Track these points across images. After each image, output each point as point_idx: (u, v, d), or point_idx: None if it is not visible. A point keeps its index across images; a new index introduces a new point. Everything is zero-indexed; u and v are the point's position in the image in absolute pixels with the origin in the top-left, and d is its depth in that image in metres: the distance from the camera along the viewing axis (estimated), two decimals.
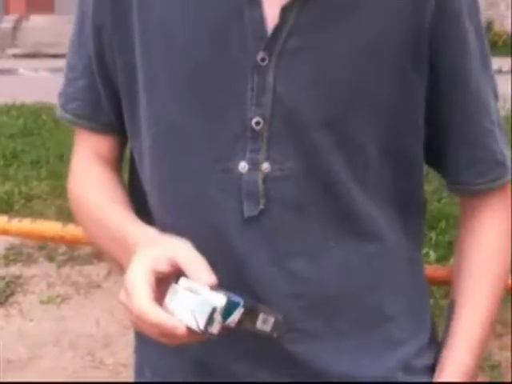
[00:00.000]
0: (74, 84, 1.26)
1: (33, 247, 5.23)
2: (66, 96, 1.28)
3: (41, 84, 13.43)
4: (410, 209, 1.22)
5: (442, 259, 4.62)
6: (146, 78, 1.16)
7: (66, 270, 4.92)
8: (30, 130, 9.05)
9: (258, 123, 1.11)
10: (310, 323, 1.16)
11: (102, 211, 1.21)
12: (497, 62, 18.43)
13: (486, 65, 1.21)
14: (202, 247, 1.05)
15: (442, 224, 5.20)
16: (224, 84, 1.11)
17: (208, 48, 1.11)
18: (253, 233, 1.13)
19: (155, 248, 1.04)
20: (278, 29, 1.09)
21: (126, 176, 1.30)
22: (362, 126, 1.13)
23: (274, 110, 1.10)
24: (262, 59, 1.09)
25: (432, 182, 4.61)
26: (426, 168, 1.25)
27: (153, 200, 1.21)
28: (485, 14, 23.71)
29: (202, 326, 0.96)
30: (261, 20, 1.10)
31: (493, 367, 3.62)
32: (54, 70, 15.56)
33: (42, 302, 4.45)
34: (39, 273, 4.88)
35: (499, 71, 18.46)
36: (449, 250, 4.70)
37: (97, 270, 4.87)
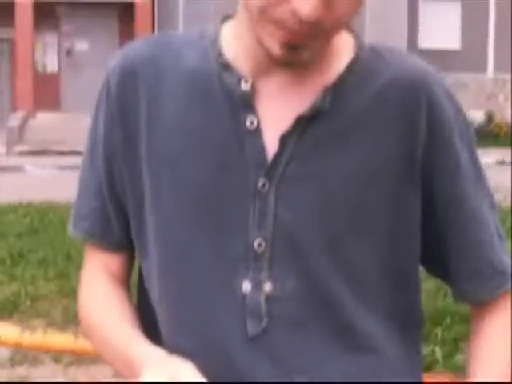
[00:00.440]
0: (87, 204, 1.32)
1: None
2: (78, 214, 1.34)
3: (47, 181, 13.57)
4: (408, 322, 1.26)
5: (448, 356, 4.62)
6: (153, 203, 1.22)
7: (72, 370, 4.90)
8: (37, 229, 9.03)
9: (259, 245, 1.16)
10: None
11: (110, 331, 1.25)
12: (499, 154, 18.46)
13: (481, 180, 1.27)
14: (206, 365, 1.10)
15: (447, 320, 5.19)
16: (227, 208, 1.18)
17: (211, 175, 1.18)
18: (256, 350, 1.17)
19: (159, 373, 1.06)
20: (277, 156, 1.16)
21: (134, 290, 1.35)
22: (361, 247, 1.18)
23: (275, 233, 1.16)
24: (263, 185, 1.16)
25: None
26: None
27: (160, 316, 1.25)
28: (484, 106, 24.01)
29: None
30: (261, 148, 1.18)
31: None
32: (60, 168, 15.73)
33: None
34: (46, 374, 4.85)
35: (501, 162, 18.11)
36: (455, 346, 4.71)
37: (103, 371, 4.87)
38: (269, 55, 1.12)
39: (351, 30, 1.24)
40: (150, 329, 1.25)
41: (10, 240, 8.41)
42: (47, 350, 2.21)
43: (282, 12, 1.06)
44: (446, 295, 5.36)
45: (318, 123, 1.17)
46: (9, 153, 19.32)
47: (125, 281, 1.35)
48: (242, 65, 1.20)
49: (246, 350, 1.17)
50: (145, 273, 1.29)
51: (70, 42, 22.51)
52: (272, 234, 1.17)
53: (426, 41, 23.70)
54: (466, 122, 1.26)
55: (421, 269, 1.30)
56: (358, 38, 1.25)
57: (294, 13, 1.05)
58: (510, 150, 17.73)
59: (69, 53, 22.59)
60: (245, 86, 1.18)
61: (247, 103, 1.19)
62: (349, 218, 1.18)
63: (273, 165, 1.17)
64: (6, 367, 4.99)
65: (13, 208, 10.38)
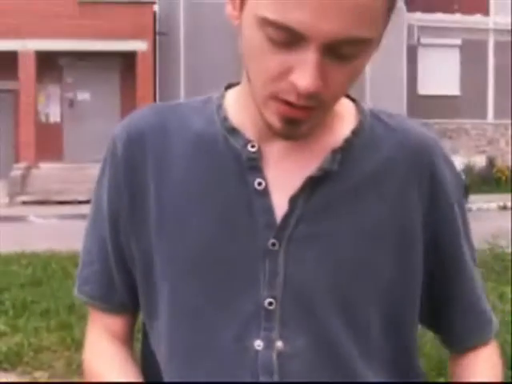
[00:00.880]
0: (89, 267, 1.35)
1: None
2: (81, 278, 1.37)
3: (50, 231, 13.59)
4: (410, 375, 1.30)
5: None
6: (163, 264, 1.24)
7: None
8: (40, 280, 9.02)
9: (270, 303, 1.19)
10: None
11: None
12: (501, 199, 18.41)
13: (468, 237, 1.34)
14: None
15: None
16: (238, 268, 1.20)
17: (221, 235, 1.21)
18: None
19: None
20: (287, 217, 1.19)
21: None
22: (367, 304, 1.21)
23: (285, 292, 1.19)
24: (273, 244, 1.19)
25: None
26: None
27: (168, 376, 1.26)
28: (486, 151, 24.08)
29: None
30: (270, 209, 1.20)
31: None
32: (62, 217, 15.80)
33: None
34: None
35: (503, 208, 18.00)
36: None
37: None
38: (269, 128, 1.16)
39: (350, 96, 1.29)
40: None
41: (13, 291, 8.40)
42: None
43: (282, 86, 1.10)
44: None
45: (326, 184, 1.21)
46: (11, 203, 19.36)
47: (128, 341, 1.38)
48: (248, 129, 1.24)
49: None
50: (153, 336, 1.31)
51: (72, 92, 22.67)
52: (282, 292, 1.19)
53: (425, 87, 23.87)
54: (460, 187, 1.33)
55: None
56: (357, 102, 1.30)
57: (292, 86, 1.09)
58: (511, 196, 17.80)
59: (71, 103, 22.75)
60: (252, 149, 1.22)
61: (254, 166, 1.22)
62: (356, 277, 1.21)
63: (282, 225, 1.20)
64: None
65: (16, 258, 10.39)
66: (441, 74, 23.93)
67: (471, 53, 24.32)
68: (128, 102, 20.88)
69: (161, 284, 1.25)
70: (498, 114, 24.67)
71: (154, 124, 1.29)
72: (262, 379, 1.19)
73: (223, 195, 1.22)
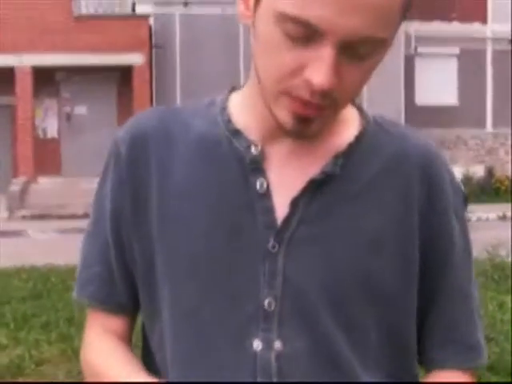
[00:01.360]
0: (89, 269, 1.34)
1: None
2: (81, 280, 1.36)
3: (49, 245, 13.58)
4: (407, 379, 1.29)
5: None
6: (165, 266, 1.24)
7: None
8: (40, 293, 9.04)
9: (269, 304, 1.19)
10: None
11: (111, 372, 1.28)
12: (500, 209, 18.37)
13: (468, 258, 1.32)
14: None
15: None
16: (238, 269, 1.21)
17: (222, 236, 1.21)
18: None
19: None
20: (288, 219, 1.20)
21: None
22: (364, 307, 1.21)
23: (284, 292, 1.19)
24: (273, 246, 1.20)
25: None
26: None
27: (171, 376, 1.26)
28: (485, 161, 24.08)
29: None
30: (271, 211, 1.21)
31: None
32: (61, 231, 15.78)
33: None
34: None
35: (503, 218, 17.92)
36: None
37: None
38: (280, 126, 1.16)
39: (355, 103, 1.30)
40: None
41: (13, 304, 8.41)
42: None
43: (295, 83, 1.10)
44: None
45: (328, 188, 1.22)
46: (11, 217, 19.36)
47: (128, 341, 1.37)
48: (252, 131, 1.24)
49: None
50: (155, 337, 1.31)
51: (69, 106, 22.68)
52: (281, 293, 1.20)
53: (423, 97, 23.86)
54: (461, 203, 1.32)
55: None
56: (361, 108, 1.31)
57: (306, 83, 1.08)
58: (511, 205, 17.70)
59: (68, 117, 22.76)
60: (255, 151, 1.23)
61: (257, 167, 1.22)
62: (354, 281, 1.21)
63: (283, 227, 1.20)
64: None
65: (16, 272, 10.39)
66: (439, 84, 23.91)
67: (469, 62, 24.31)
68: (125, 115, 20.79)
69: (161, 285, 1.26)
70: (496, 123, 24.63)
71: (157, 125, 1.30)
72: (260, 380, 1.19)
73: (225, 196, 1.22)
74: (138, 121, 1.33)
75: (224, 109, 1.29)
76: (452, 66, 24.45)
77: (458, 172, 18.80)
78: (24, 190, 20.39)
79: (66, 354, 6.31)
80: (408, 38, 23.13)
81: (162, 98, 21.43)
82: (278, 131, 1.20)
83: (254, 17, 1.14)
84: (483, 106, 24.72)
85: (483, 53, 24.74)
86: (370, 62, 1.11)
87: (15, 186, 20.48)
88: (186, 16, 21.82)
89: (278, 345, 1.19)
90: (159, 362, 1.29)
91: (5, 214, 19.50)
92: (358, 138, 1.26)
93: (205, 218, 1.23)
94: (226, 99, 1.31)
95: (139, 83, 21.31)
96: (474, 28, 24.46)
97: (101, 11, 22.07)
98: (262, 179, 1.22)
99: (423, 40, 23.66)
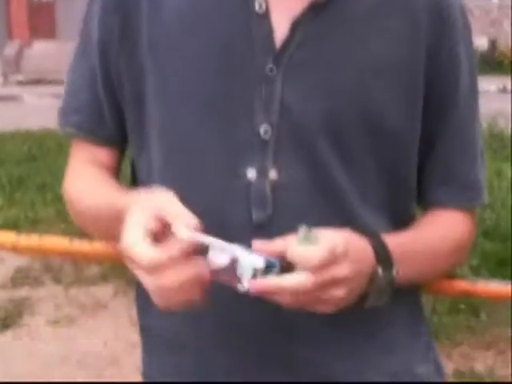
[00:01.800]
0: (76, 97, 1.28)
1: (39, 270, 5.29)
2: (66, 109, 1.30)
3: (44, 110, 13.48)
4: (403, 221, 1.25)
5: None
6: (157, 91, 1.19)
7: (72, 291, 4.96)
8: (35, 156, 9.12)
9: (266, 131, 1.14)
10: (311, 326, 1.18)
11: (94, 195, 1.23)
12: (501, 81, 18.39)
13: (474, 97, 1.27)
14: None
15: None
16: (234, 94, 1.15)
17: (218, 60, 1.15)
18: (260, 237, 1.11)
19: (145, 206, 1.02)
20: (286, 42, 1.14)
21: None
22: (363, 139, 1.16)
23: (280, 119, 1.14)
24: (271, 70, 1.14)
25: None
26: None
27: None
28: (488, 33, 23.83)
29: (245, 284, 1.00)
30: (269, 33, 1.14)
31: None
32: (57, 96, 15.58)
33: (49, 323, 4.49)
34: (47, 295, 4.92)
35: (503, 90, 18.00)
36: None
37: (103, 291, 4.90)
38: None
39: None
40: None
41: (9, 167, 8.47)
42: (43, 253, 2.18)
43: None
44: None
45: (330, 11, 1.15)
46: (5, 83, 19.27)
47: (114, 172, 1.31)
48: None
49: (250, 239, 1.12)
50: (143, 170, 1.26)
51: None
52: (278, 120, 1.14)
53: None
54: (471, 35, 1.25)
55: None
56: None
57: None
58: (511, 78, 17.57)
59: None
60: None
61: None
62: (353, 107, 1.15)
63: (282, 50, 1.14)
64: (8, 288, 5.04)
65: (11, 136, 10.41)
66: None
67: None
68: None
69: (153, 114, 1.20)
70: None
71: None
72: (254, 209, 1.15)
73: (220, 19, 1.16)
74: None
75: None
76: None
77: None
78: (19, 55, 20.24)
79: (62, 215, 6.31)
80: None
81: None
82: None
83: None
84: None
85: None
86: None
87: (10, 48, 20.30)
88: None
89: (272, 174, 1.15)
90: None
91: (0, 79, 19.38)
92: None
93: (198, 40, 1.16)
94: None
95: None
96: None
97: None
98: None
99: None
